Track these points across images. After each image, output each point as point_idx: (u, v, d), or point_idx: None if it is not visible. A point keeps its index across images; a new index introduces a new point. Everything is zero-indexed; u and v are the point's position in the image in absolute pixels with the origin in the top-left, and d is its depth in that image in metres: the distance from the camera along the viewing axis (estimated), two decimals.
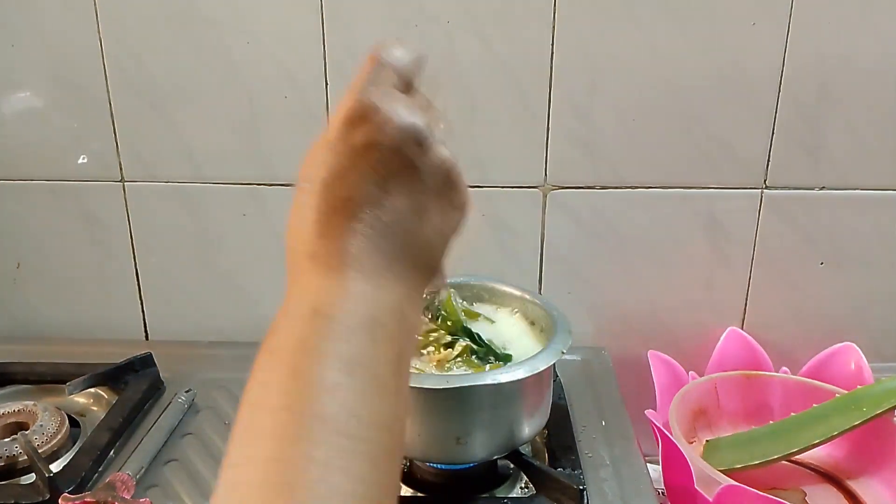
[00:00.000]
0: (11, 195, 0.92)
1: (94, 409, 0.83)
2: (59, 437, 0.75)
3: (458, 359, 0.68)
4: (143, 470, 0.70)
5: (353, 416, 0.32)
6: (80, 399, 0.84)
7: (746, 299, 0.94)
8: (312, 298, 0.35)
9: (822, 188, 0.89)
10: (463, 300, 0.76)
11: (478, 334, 0.71)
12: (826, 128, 0.86)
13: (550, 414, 0.71)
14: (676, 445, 0.73)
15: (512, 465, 0.71)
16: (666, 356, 0.90)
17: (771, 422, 0.85)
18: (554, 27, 0.83)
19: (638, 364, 0.90)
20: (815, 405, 0.82)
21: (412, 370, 0.65)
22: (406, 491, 0.70)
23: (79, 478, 0.68)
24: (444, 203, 0.39)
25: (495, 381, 0.61)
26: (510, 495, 0.69)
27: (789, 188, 0.89)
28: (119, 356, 0.85)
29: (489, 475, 0.71)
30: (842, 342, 0.90)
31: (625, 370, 0.90)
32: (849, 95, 0.85)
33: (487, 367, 0.68)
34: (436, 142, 0.37)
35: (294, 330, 0.34)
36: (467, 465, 0.69)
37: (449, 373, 0.67)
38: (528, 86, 0.85)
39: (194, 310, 0.97)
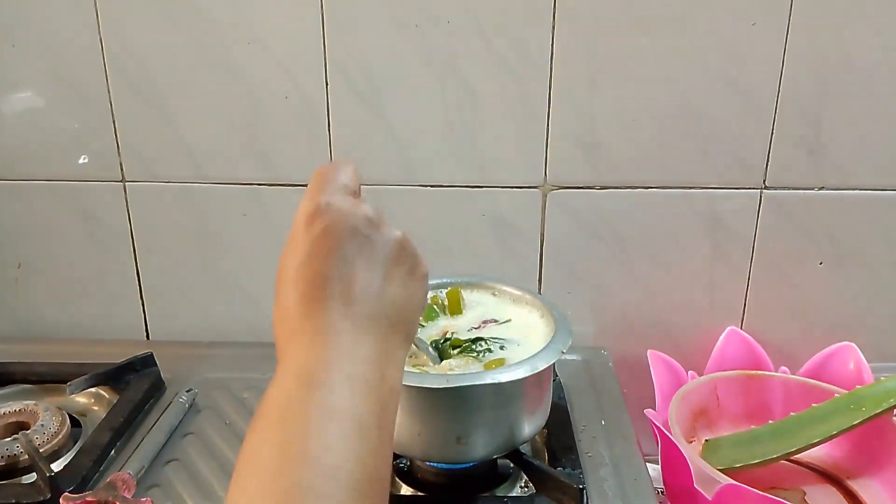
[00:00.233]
0: (12, 195, 0.92)
1: (95, 408, 0.84)
2: (60, 436, 0.75)
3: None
4: (143, 469, 0.70)
5: (333, 453, 0.35)
6: (81, 399, 0.84)
7: (746, 299, 0.94)
8: (296, 367, 0.39)
9: (822, 188, 0.89)
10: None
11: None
12: (826, 128, 0.86)
13: (550, 413, 0.71)
14: (676, 445, 0.73)
15: (512, 465, 0.71)
16: (666, 356, 0.90)
17: (770, 421, 0.85)
18: (554, 27, 0.83)
19: (638, 364, 0.90)
20: (814, 405, 0.82)
21: (413, 370, 0.65)
22: (406, 490, 0.70)
23: (80, 477, 0.68)
24: (403, 271, 0.43)
25: (495, 381, 0.61)
26: (510, 494, 0.69)
27: (789, 188, 0.89)
28: (120, 356, 0.85)
29: (489, 474, 0.71)
30: (841, 342, 0.90)
31: (625, 370, 0.91)
32: (849, 95, 0.85)
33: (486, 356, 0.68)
34: (383, 222, 0.43)
35: (281, 394, 0.38)
36: (467, 465, 0.69)
37: (450, 372, 0.67)
38: (528, 86, 0.85)
39: (195, 310, 0.97)
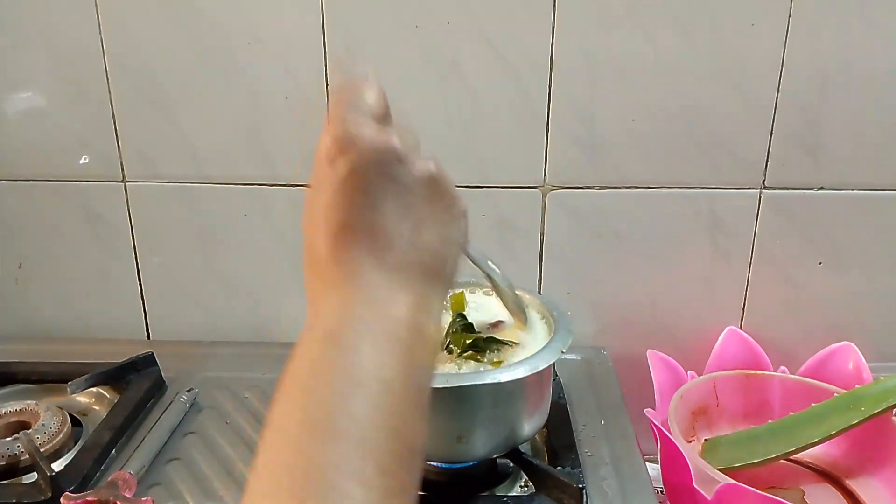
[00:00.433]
0: (14, 195, 0.93)
1: (96, 408, 0.84)
2: (61, 436, 0.75)
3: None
4: (144, 469, 0.70)
5: (359, 424, 0.33)
6: (82, 398, 0.84)
7: (745, 299, 0.94)
8: (323, 322, 0.37)
9: (822, 188, 0.89)
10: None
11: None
12: (826, 128, 0.86)
13: (550, 413, 0.71)
14: (675, 444, 0.74)
15: (512, 464, 0.71)
16: (665, 355, 0.90)
17: (770, 421, 0.85)
18: (554, 27, 0.83)
19: (638, 363, 0.90)
20: (813, 404, 0.82)
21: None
22: None
23: (81, 477, 0.68)
24: (438, 210, 0.40)
25: (495, 381, 0.61)
26: (510, 494, 0.69)
27: (789, 188, 0.89)
28: (121, 355, 0.85)
29: (489, 474, 0.71)
30: (841, 341, 0.90)
31: (625, 369, 0.91)
32: (849, 95, 0.85)
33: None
34: (414, 155, 0.39)
35: (307, 354, 0.36)
36: (468, 464, 0.69)
37: (450, 372, 0.67)
38: (528, 86, 0.85)
39: (196, 309, 0.97)
